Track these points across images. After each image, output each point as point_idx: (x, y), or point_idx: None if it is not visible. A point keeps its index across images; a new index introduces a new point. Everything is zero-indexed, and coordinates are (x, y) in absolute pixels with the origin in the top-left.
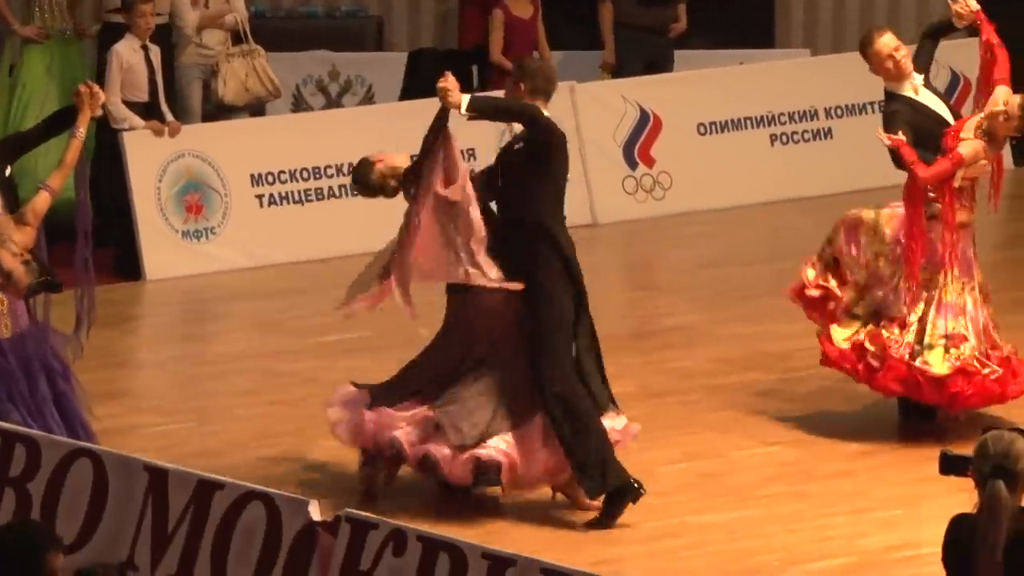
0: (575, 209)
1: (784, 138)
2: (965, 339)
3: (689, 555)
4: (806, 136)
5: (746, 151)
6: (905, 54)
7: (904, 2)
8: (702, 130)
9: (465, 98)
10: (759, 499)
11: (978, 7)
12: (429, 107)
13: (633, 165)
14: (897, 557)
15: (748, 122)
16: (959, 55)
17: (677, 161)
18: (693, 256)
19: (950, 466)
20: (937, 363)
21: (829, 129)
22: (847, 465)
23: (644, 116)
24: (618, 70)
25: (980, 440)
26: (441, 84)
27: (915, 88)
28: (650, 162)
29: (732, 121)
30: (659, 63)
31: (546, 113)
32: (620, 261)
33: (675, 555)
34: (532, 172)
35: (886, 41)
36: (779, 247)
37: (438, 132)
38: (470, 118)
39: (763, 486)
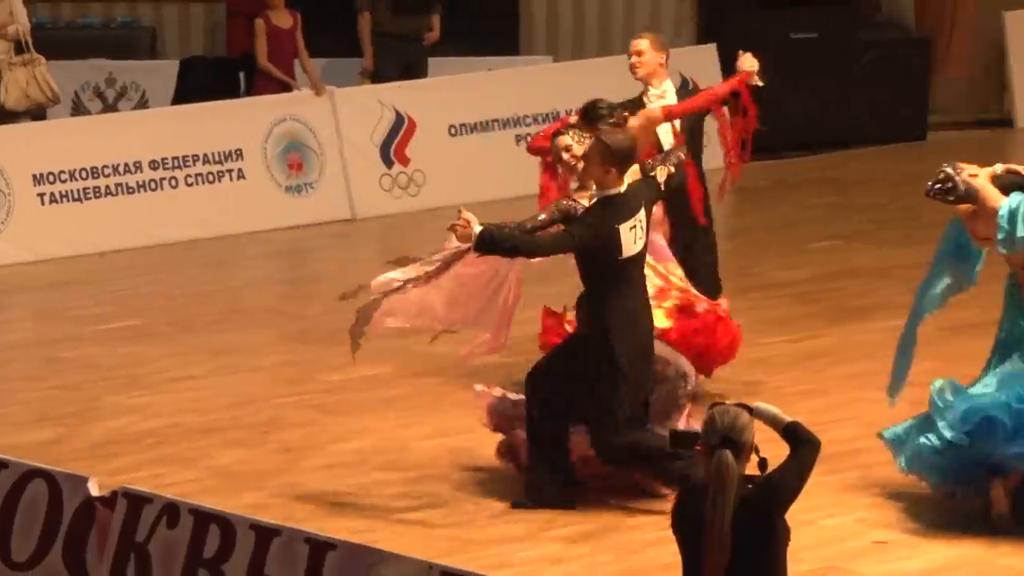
0: (335, 205)
1: (529, 139)
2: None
3: (441, 524)
4: None
5: (494, 151)
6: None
7: (639, 14)
8: (453, 131)
9: (477, 229)
10: (506, 471)
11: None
12: (199, 111)
13: (389, 164)
14: (636, 524)
15: (495, 124)
16: (688, 60)
17: (430, 160)
18: None
19: (679, 441)
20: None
21: None
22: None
23: (399, 118)
24: (376, 76)
25: (708, 415)
26: (450, 226)
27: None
28: (405, 161)
29: (481, 123)
30: (414, 69)
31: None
32: (377, 253)
33: (428, 525)
34: (580, 268)
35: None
36: None
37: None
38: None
39: None
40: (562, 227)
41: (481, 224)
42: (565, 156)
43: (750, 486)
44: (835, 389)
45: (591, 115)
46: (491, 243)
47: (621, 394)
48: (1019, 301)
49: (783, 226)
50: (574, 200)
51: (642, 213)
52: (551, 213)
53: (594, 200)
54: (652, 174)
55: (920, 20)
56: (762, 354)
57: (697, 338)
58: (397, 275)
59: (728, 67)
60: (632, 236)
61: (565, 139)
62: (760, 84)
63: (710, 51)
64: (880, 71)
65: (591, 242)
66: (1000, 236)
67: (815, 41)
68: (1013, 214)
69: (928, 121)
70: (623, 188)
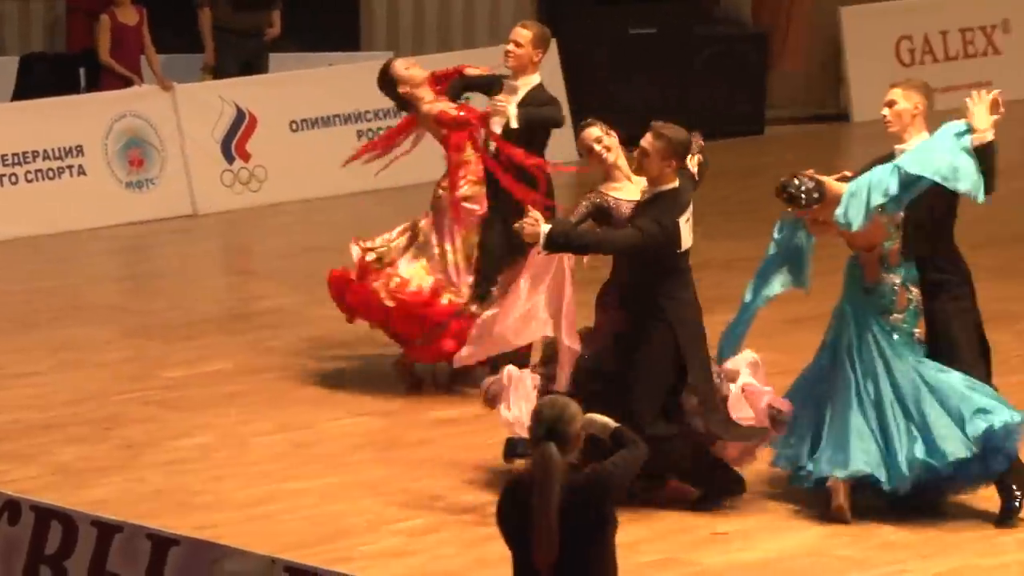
0: (177, 201)
1: (370, 133)
2: None
3: (283, 519)
4: None
5: (334, 146)
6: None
7: (479, 10)
8: (294, 127)
9: (544, 229)
10: (348, 465)
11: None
12: (39, 108)
13: (231, 160)
14: (477, 517)
15: (336, 119)
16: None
17: (271, 156)
18: (287, 243)
19: (513, 451)
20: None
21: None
22: (429, 433)
23: (240, 114)
24: (216, 71)
25: (535, 405)
26: (517, 225)
27: None
28: (246, 157)
29: (322, 118)
30: (254, 65)
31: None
32: (219, 248)
33: (270, 519)
34: (633, 262)
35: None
36: (363, 234)
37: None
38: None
39: (351, 453)
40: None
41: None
42: (597, 148)
43: (579, 476)
44: None
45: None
46: (564, 241)
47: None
48: (859, 280)
49: None
50: (605, 194)
51: (691, 206)
52: (586, 208)
53: (649, 195)
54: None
55: (757, 15)
56: None
57: None
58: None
59: (568, 63)
60: (688, 229)
61: (595, 131)
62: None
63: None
64: (718, 66)
65: (659, 237)
66: (838, 211)
67: (653, 36)
68: (854, 194)
69: (766, 116)
70: (677, 182)
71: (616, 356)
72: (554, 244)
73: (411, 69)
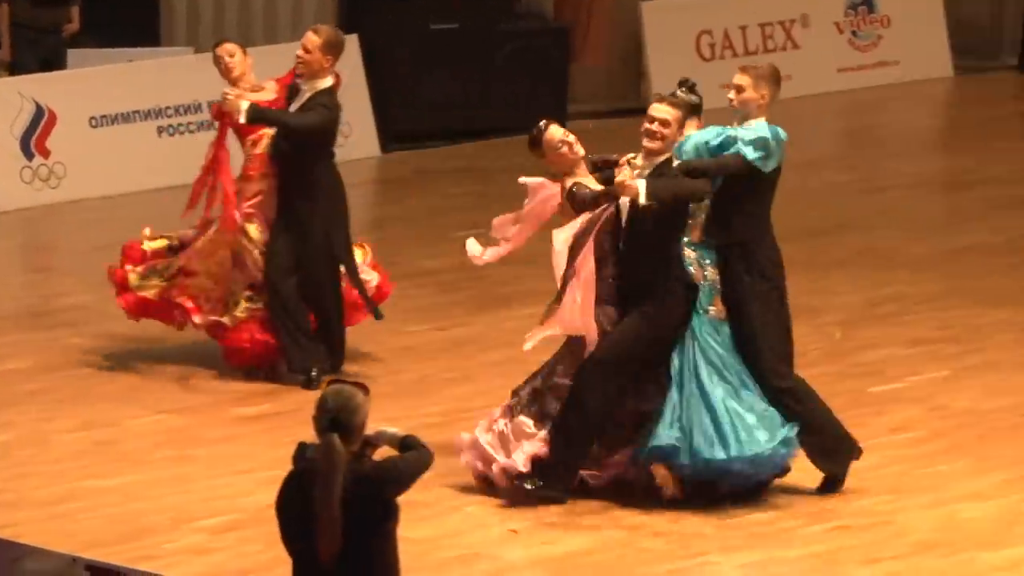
0: None
1: (171, 130)
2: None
3: (85, 517)
4: (191, 128)
5: (135, 142)
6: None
7: (280, 5)
8: (94, 123)
9: (641, 184)
10: (150, 463)
11: None
12: None
13: (30, 156)
14: None
15: (137, 115)
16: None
17: (71, 152)
18: (87, 239)
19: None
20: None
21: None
22: (231, 430)
23: (40, 111)
24: (14, 67)
25: (320, 395)
26: (618, 180)
27: None
28: (46, 153)
29: (122, 114)
30: (53, 61)
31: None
32: (18, 246)
33: (71, 518)
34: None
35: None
36: (168, 229)
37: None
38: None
39: (154, 451)
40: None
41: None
42: (563, 148)
43: (362, 467)
44: (482, 376)
45: None
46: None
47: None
48: None
49: (426, 215)
50: (585, 185)
51: None
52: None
53: (655, 165)
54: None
55: (558, 11)
56: (409, 342)
57: None
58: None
59: (370, 58)
60: None
61: (558, 130)
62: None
63: (351, 42)
64: (520, 61)
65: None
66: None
67: (455, 31)
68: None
69: (568, 110)
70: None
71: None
72: (656, 196)
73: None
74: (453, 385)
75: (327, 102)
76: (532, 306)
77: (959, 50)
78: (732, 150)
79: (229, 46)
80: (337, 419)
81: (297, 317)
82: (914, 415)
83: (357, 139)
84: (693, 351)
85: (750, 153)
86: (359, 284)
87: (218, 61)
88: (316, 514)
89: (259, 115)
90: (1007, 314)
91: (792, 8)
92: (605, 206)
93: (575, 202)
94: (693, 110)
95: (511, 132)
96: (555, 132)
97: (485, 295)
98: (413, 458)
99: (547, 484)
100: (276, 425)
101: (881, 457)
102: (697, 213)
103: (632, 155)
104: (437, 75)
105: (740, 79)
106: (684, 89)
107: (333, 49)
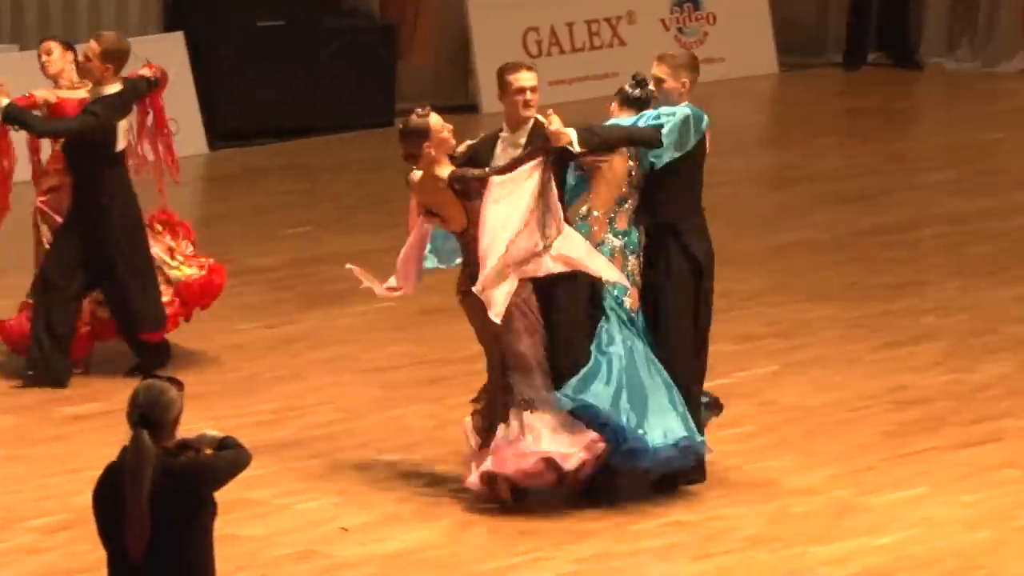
0: None
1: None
2: None
3: None
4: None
5: None
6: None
7: (104, 3)
8: None
9: (571, 132)
10: None
11: None
12: None
13: None
14: None
15: None
16: (156, 49)
17: None
18: None
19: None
20: None
21: None
22: (61, 430)
23: None
24: None
25: (133, 390)
26: (553, 128)
27: None
28: None
29: None
30: None
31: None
32: None
33: None
34: None
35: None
36: None
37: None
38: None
39: None
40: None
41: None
42: (447, 134)
43: (174, 462)
44: (313, 374)
45: None
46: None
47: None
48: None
49: (254, 213)
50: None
51: None
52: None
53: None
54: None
55: (385, 8)
56: (238, 340)
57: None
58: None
59: (196, 55)
60: None
61: (438, 118)
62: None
63: (177, 39)
64: (346, 58)
65: None
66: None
67: (282, 28)
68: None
69: (396, 108)
70: None
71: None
72: (587, 142)
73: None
74: (283, 383)
75: (97, 109)
76: (360, 303)
77: (784, 47)
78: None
79: (47, 44)
80: (146, 415)
81: (53, 318)
82: (743, 411)
83: (184, 137)
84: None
85: (666, 129)
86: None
87: (39, 59)
88: (125, 509)
89: (13, 115)
90: (834, 310)
91: (618, 5)
92: (537, 162)
93: (466, 184)
94: (640, 105)
95: (338, 129)
96: (437, 117)
97: (313, 293)
98: (230, 456)
99: None
100: (106, 424)
101: (711, 453)
102: (623, 201)
103: (470, 141)
104: (264, 72)
105: (658, 70)
106: (633, 84)
107: (112, 57)
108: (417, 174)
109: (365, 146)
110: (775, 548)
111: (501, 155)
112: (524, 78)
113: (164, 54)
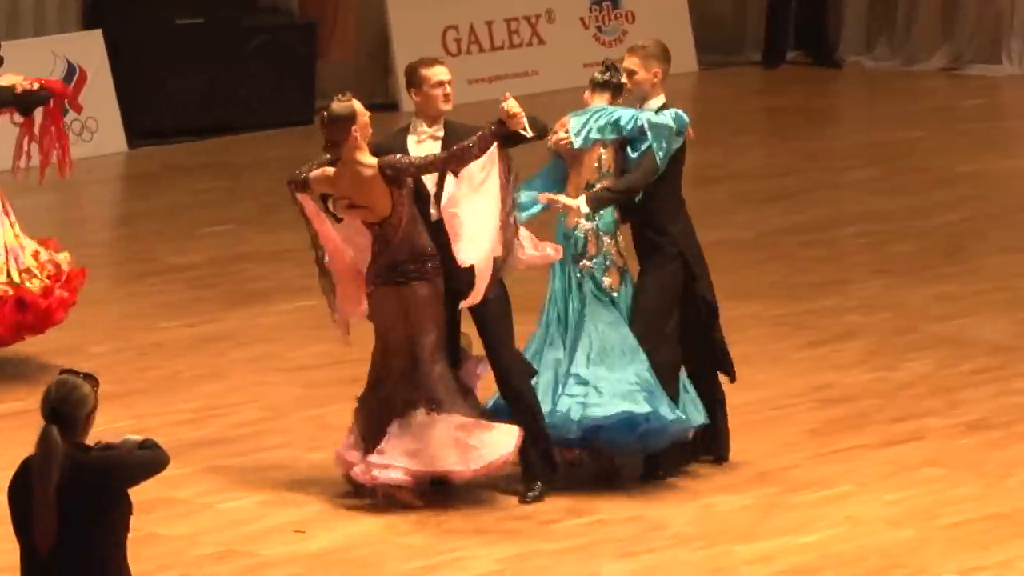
0: None
1: None
2: None
3: None
4: None
5: None
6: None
7: (21, 1)
8: None
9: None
10: None
11: None
12: None
13: None
14: None
15: None
16: (75, 46)
17: None
18: None
19: None
20: None
21: None
22: None
23: None
24: None
25: (47, 386)
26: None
27: None
28: None
29: None
30: None
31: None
32: None
33: None
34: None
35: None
36: None
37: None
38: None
39: None
40: None
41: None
42: (367, 118)
43: (85, 457)
44: (235, 372)
45: None
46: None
47: None
48: (562, 227)
49: (174, 211)
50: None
51: None
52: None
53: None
54: None
55: (304, 5)
56: (159, 339)
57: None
58: None
59: (115, 53)
60: None
61: (359, 104)
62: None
63: (96, 37)
64: (266, 56)
65: None
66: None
67: (201, 26)
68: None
69: (315, 105)
70: None
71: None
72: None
73: None
74: (206, 382)
75: None
76: (284, 301)
77: (703, 46)
78: (644, 148)
79: None
80: (57, 410)
81: None
82: None
83: (103, 135)
84: (590, 321)
85: (660, 154)
86: None
87: None
88: (32, 505)
89: None
90: (757, 308)
91: (537, 3)
92: (493, 148)
93: (400, 171)
94: (613, 90)
95: (259, 127)
96: (358, 103)
97: (236, 291)
98: (145, 455)
99: None
100: (29, 422)
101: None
102: (591, 186)
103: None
104: (183, 71)
105: (628, 62)
106: (602, 69)
107: None
108: (321, 170)
109: (285, 143)
110: (700, 546)
111: (419, 148)
112: (441, 72)
113: (83, 52)
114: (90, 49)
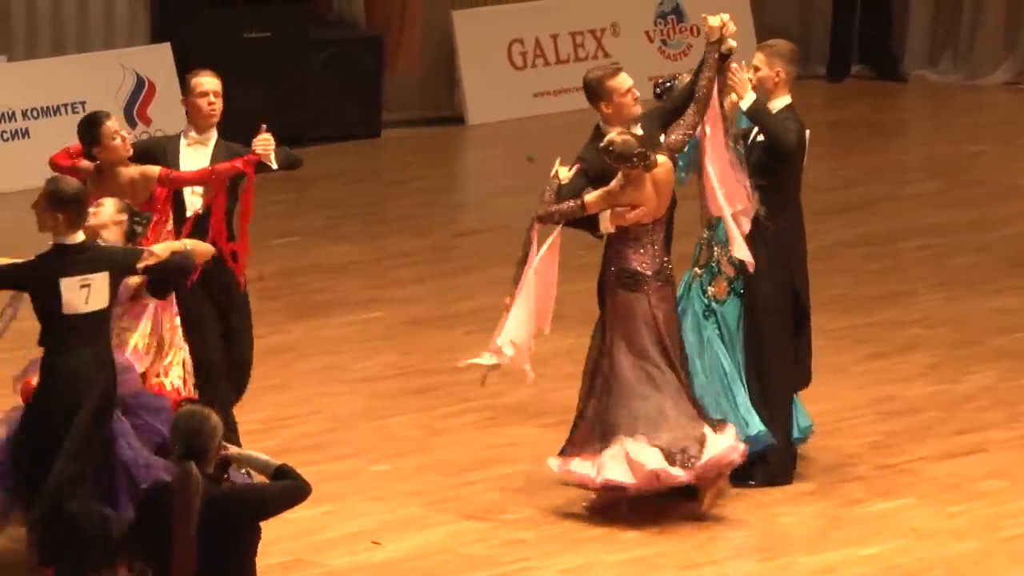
0: None
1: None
2: None
3: None
4: (4, 136)
5: None
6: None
7: (92, 13)
8: None
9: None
10: None
11: None
12: None
13: None
14: None
15: None
16: (144, 60)
17: None
18: None
19: None
20: None
21: (26, 129)
22: None
23: None
24: None
25: (174, 419)
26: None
27: None
28: None
29: None
30: None
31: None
32: None
33: None
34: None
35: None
36: None
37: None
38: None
39: None
40: None
41: None
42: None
43: (219, 490)
44: (300, 384)
45: None
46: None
47: None
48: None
49: None
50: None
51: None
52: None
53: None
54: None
55: (371, 19)
56: None
57: None
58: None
59: (184, 67)
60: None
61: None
62: (274, 167)
63: (165, 50)
64: (333, 69)
65: None
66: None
67: (268, 40)
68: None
69: (382, 119)
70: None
71: None
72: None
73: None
74: (272, 393)
75: None
76: (347, 314)
77: None
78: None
79: None
80: (192, 444)
81: None
82: None
83: None
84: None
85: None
86: None
87: None
88: (173, 536)
89: None
90: (820, 321)
91: (603, 17)
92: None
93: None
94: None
95: (326, 140)
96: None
97: (301, 303)
98: (289, 487)
99: None
100: None
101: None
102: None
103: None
104: (252, 84)
105: (756, 58)
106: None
107: None
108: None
109: (353, 156)
110: (764, 558)
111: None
112: (626, 79)
113: (152, 65)
114: (159, 62)
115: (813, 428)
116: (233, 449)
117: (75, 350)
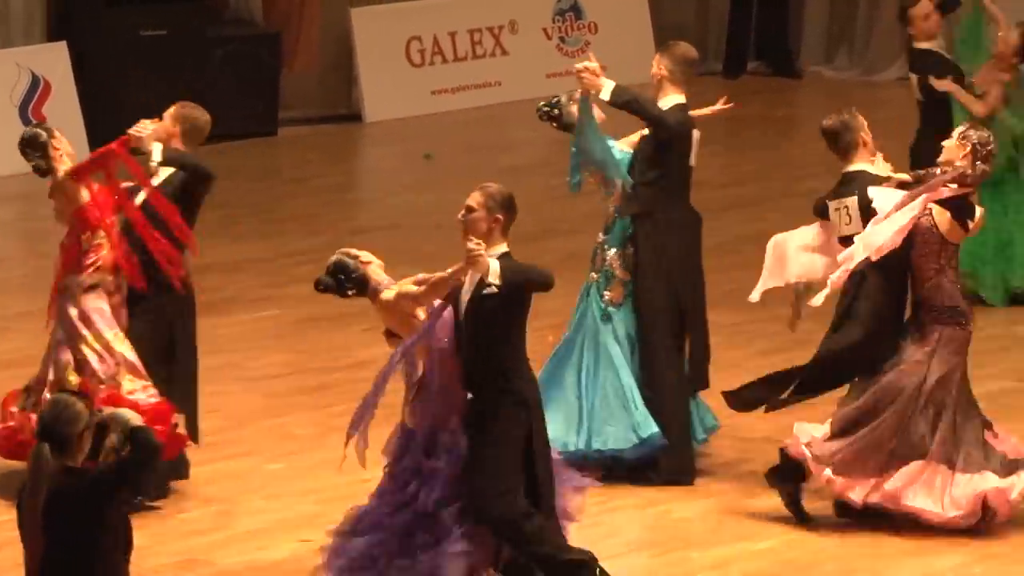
0: None
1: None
2: None
3: None
4: None
5: None
6: None
7: None
8: None
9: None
10: None
11: None
12: None
13: None
14: None
15: None
16: (40, 59)
17: None
18: None
19: None
20: None
21: None
22: None
23: None
24: None
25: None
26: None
27: None
28: None
29: None
30: None
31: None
32: None
33: None
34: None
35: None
36: None
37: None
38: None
39: None
40: None
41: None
42: None
43: (71, 478)
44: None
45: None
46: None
47: None
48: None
49: None
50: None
51: None
52: None
53: None
54: None
55: (268, 16)
56: None
57: None
58: None
59: (79, 65)
60: None
61: None
62: (147, 150)
63: (61, 49)
64: (231, 67)
65: None
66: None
67: (165, 38)
68: None
69: (280, 116)
70: None
71: None
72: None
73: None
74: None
75: None
76: (244, 312)
77: None
78: None
79: None
80: (48, 428)
81: None
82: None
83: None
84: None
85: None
86: None
87: None
88: (22, 521)
89: None
90: (715, 316)
91: (501, 14)
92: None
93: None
94: (552, 121)
95: (223, 138)
96: None
97: (198, 302)
98: (121, 469)
99: None
100: None
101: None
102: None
103: None
104: (148, 82)
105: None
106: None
107: None
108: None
109: (249, 155)
110: (657, 553)
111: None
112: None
113: (47, 64)
114: (55, 61)
115: (719, 426)
116: (107, 410)
117: None
